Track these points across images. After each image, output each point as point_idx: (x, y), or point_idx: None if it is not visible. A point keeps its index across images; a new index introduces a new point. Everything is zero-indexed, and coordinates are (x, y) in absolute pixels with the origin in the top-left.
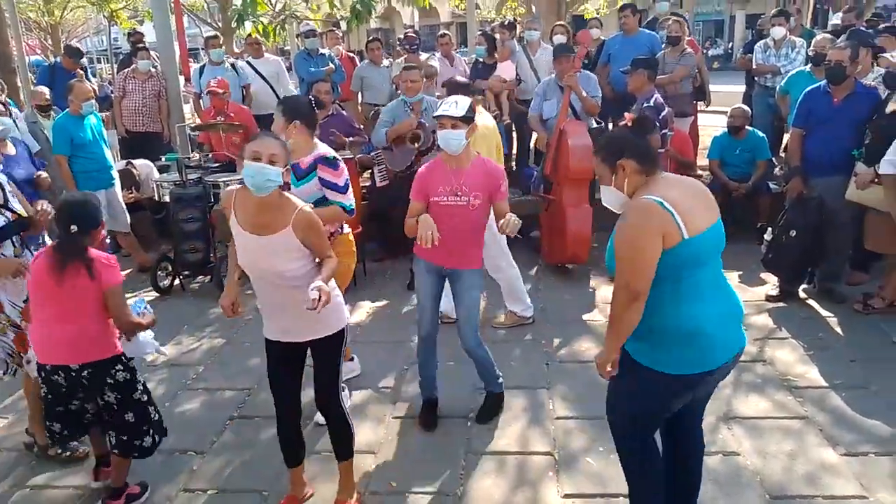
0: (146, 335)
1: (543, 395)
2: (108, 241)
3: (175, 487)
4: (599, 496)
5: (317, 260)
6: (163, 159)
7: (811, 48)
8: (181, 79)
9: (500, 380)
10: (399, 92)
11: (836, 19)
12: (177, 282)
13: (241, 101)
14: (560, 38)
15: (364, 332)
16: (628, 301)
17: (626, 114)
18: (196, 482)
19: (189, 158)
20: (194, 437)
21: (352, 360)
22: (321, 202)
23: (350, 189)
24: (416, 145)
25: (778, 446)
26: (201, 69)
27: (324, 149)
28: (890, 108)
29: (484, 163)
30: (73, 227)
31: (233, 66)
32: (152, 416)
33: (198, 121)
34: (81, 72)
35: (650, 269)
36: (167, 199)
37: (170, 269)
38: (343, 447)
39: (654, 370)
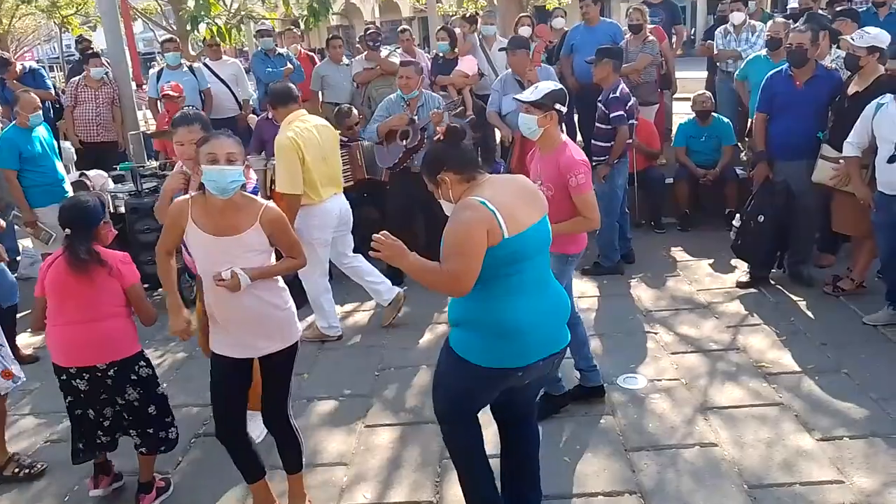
0: None
1: None
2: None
3: None
4: (577, 496)
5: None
6: (118, 169)
7: (767, 32)
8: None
9: (557, 378)
10: (360, 89)
11: (793, 3)
12: None
13: (201, 105)
14: (525, 31)
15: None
16: (451, 292)
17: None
18: None
19: (143, 167)
20: (159, 457)
21: None
22: None
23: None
24: (405, 142)
25: (755, 435)
26: (159, 74)
27: None
28: (851, 89)
29: (562, 153)
30: (67, 231)
31: (191, 69)
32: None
33: (154, 128)
34: (16, 83)
35: (477, 263)
36: (123, 209)
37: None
38: (294, 459)
39: (467, 361)
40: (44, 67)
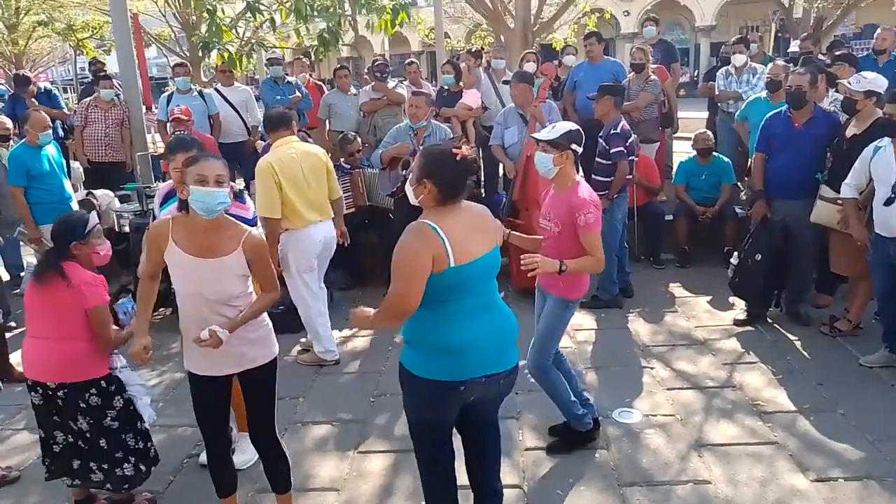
0: (131, 375)
1: (512, 424)
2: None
3: None
4: None
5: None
6: (124, 188)
7: (766, 74)
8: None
9: (583, 413)
10: (366, 119)
11: (794, 46)
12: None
13: (209, 130)
14: (530, 66)
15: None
16: (398, 313)
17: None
18: None
19: (150, 188)
20: (151, 476)
21: None
22: None
23: (258, 223)
24: (406, 171)
25: (749, 473)
26: (169, 97)
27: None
28: (849, 132)
29: (574, 191)
30: (49, 244)
31: (200, 94)
32: (130, 443)
33: (162, 150)
34: (35, 101)
35: (420, 286)
36: (128, 229)
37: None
38: (283, 479)
39: (414, 375)
40: (57, 88)
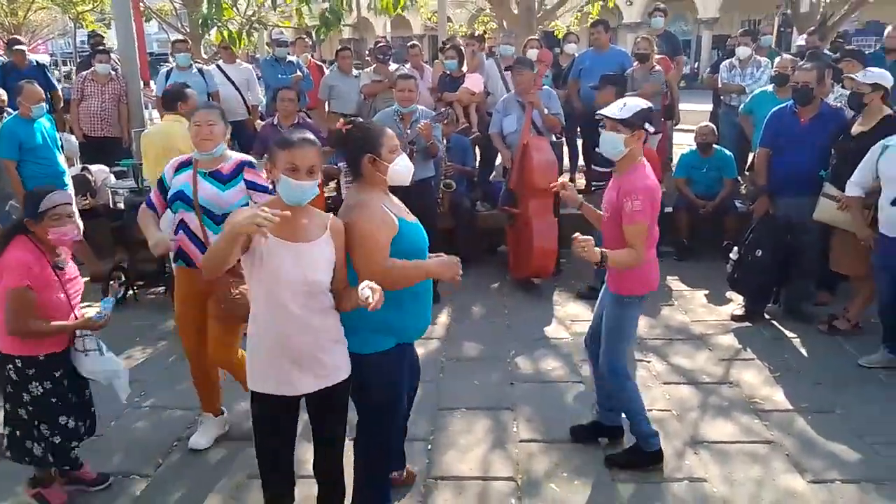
0: (108, 361)
1: (507, 416)
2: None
3: None
4: None
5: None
6: (119, 165)
7: (774, 68)
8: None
9: (654, 431)
10: (367, 101)
11: (800, 41)
12: (130, 292)
13: None
14: (533, 53)
15: None
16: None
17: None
18: None
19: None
20: (138, 459)
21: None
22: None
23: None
24: None
25: (745, 473)
26: (168, 74)
27: (242, 155)
28: (855, 129)
29: (629, 176)
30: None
31: (200, 71)
32: (45, 433)
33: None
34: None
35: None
36: (122, 206)
37: (123, 278)
38: None
39: (378, 352)
40: (56, 61)
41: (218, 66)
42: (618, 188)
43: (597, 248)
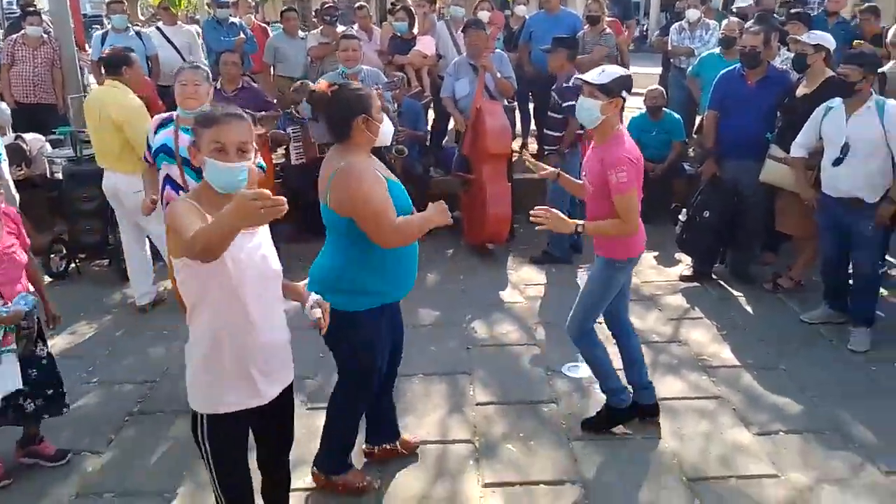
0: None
1: (464, 380)
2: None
3: (67, 492)
4: (520, 484)
5: None
6: (56, 133)
7: (721, 31)
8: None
9: (622, 387)
10: (314, 64)
11: (741, 2)
12: (73, 265)
13: (148, 72)
14: (484, 15)
15: None
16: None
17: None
18: (91, 485)
19: (84, 132)
20: (89, 435)
21: None
22: None
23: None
24: None
25: (694, 428)
26: (103, 37)
27: None
28: (800, 92)
29: (612, 146)
30: None
31: (138, 34)
32: None
33: None
34: None
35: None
36: (60, 175)
37: (64, 251)
38: (287, 499)
39: (364, 311)
40: None
41: (158, 29)
42: (601, 160)
43: (562, 217)
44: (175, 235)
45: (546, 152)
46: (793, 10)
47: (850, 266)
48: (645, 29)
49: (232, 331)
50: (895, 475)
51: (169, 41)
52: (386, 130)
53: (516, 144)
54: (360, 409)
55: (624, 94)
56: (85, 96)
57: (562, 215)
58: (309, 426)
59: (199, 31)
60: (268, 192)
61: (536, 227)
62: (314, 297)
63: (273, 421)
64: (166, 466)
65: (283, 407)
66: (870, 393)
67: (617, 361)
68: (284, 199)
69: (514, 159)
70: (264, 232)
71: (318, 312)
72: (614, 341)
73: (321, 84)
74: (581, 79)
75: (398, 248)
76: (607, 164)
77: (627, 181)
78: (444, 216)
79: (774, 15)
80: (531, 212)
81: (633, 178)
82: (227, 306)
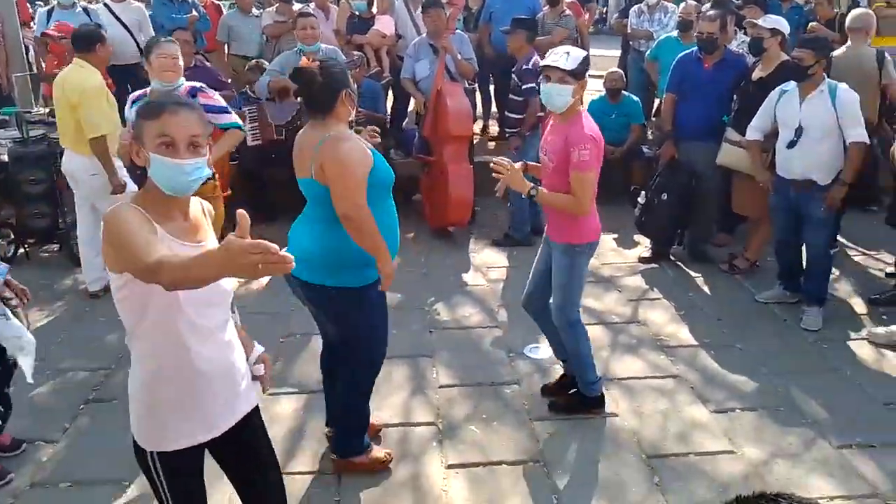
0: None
1: (426, 363)
2: None
3: (22, 482)
4: (482, 465)
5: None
6: (1, 113)
7: (679, 13)
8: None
9: (591, 381)
10: (270, 43)
11: None
12: (21, 251)
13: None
14: None
15: (236, 301)
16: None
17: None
18: (47, 475)
19: (30, 112)
20: (43, 424)
21: None
22: None
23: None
24: (300, 98)
25: (653, 406)
26: (49, 13)
27: (188, 82)
28: (756, 75)
29: (575, 124)
30: None
31: (85, 10)
32: None
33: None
34: None
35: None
36: (6, 158)
37: (12, 236)
38: None
39: (368, 284)
40: None
41: (106, 6)
42: (565, 137)
43: (520, 176)
44: (120, 250)
45: (507, 135)
46: None
47: (804, 247)
48: (605, 11)
49: (173, 360)
50: (845, 449)
51: (118, 18)
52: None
53: (477, 127)
54: (371, 386)
55: (586, 75)
56: (30, 75)
57: (521, 174)
58: (270, 412)
59: (149, 7)
60: (268, 244)
61: (496, 192)
62: (258, 350)
63: (240, 449)
64: (122, 455)
65: (250, 432)
66: (821, 371)
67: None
68: (291, 257)
69: (475, 141)
70: (212, 242)
71: (261, 369)
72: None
73: (305, 60)
74: (551, 65)
75: (386, 215)
76: (571, 142)
77: (589, 160)
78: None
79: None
80: (494, 159)
81: (595, 157)
82: (167, 330)
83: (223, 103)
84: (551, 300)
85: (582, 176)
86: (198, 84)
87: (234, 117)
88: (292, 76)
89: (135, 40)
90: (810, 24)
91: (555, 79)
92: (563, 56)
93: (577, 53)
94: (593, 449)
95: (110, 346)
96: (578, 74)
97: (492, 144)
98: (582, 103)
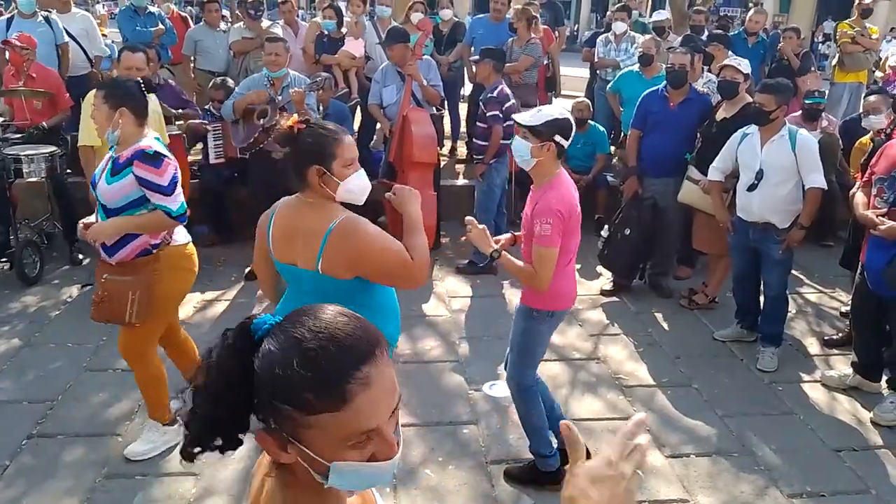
0: None
1: None
2: None
3: None
4: None
5: None
6: None
7: (639, 48)
8: None
9: (553, 452)
10: (237, 60)
11: (658, 16)
12: None
13: (57, 62)
14: (417, 17)
15: (192, 328)
16: None
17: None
18: None
19: None
20: None
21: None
22: (140, 203)
23: (178, 190)
24: (262, 121)
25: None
26: (8, 22)
27: (147, 141)
28: (720, 115)
29: (545, 192)
30: None
31: (47, 19)
32: None
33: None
34: None
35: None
36: None
37: None
38: None
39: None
40: None
41: (46, 20)
42: (533, 206)
43: (486, 236)
44: None
45: (474, 161)
46: (714, 32)
47: (761, 285)
48: (576, 28)
49: None
50: (795, 499)
51: (65, 30)
52: (353, 190)
53: (446, 149)
54: None
55: (558, 138)
56: None
57: (487, 234)
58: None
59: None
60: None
61: (462, 238)
62: None
63: None
64: (67, 493)
65: None
66: (775, 413)
67: None
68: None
69: (442, 164)
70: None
71: None
72: None
73: (292, 119)
74: (514, 119)
75: (389, 297)
76: (535, 212)
77: (549, 235)
78: (417, 200)
79: (715, 29)
80: (467, 219)
81: (557, 232)
82: None
83: (163, 181)
84: (507, 351)
85: (542, 250)
86: (146, 147)
87: (170, 201)
88: (275, 139)
89: (84, 51)
90: (772, 59)
91: (518, 133)
92: (533, 113)
93: (548, 113)
94: (550, 494)
95: (58, 376)
96: (539, 133)
97: (460, 167)
98: (558, 169)
